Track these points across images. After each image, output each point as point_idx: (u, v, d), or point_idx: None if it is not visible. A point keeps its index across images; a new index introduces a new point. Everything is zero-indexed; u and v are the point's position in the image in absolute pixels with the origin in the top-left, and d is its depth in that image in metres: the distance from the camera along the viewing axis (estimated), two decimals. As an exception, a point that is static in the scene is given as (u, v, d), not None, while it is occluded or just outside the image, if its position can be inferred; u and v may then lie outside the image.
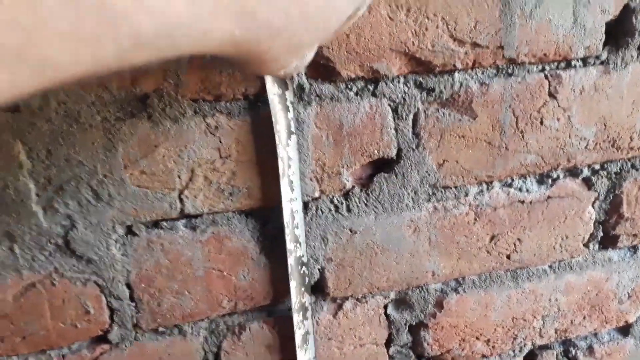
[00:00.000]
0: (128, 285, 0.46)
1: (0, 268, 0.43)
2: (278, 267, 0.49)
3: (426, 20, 0.42)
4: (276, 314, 0.51)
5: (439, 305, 0.55)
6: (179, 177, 0.43)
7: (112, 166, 0.42)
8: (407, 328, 0.55)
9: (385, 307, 0.54)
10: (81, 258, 0.44)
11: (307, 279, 0.48)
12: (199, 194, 0.44)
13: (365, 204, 0.48)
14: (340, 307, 0.52)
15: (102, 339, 0.48)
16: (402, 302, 0.55)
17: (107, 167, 0.42)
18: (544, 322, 0.59)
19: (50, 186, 0.41)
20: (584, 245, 0.57)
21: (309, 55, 0.30)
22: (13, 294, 0.44)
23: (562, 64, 0.47)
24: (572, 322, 0.60)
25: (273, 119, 0.42)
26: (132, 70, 0.38)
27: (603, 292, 0.60)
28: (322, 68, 0.43)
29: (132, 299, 0.47)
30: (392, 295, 0.54)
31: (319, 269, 0.50)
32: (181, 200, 0.44)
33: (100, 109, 0.40)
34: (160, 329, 0.49)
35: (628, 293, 0.61)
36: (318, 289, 0.52)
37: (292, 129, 0.42)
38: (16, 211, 0.41)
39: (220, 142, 0.43)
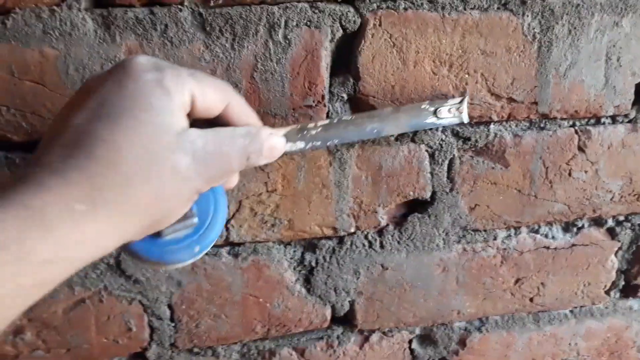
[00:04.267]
0: (169, 306, 0.49)
1: (55, 283, 0.46)
2: (311, 297, 0.51)
3: (467, 75, 0.45)
4: (305, 341, 0.53)
5: (462, 343, 0.56)
6: (228, 207, 0.46)
7: (166, 194, 0.45)
8: (429, 363, 0.57)
9: (410, 341, 0.56)
10: (129, 278, 0.47)
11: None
12: (244, 224, 0.47)
13: (398, 242, 0.51)
14: (367, 339, 0.54)
15: (140, 355, 0.51)
16: (426, 338, 0.56)
17: (162, 195, 0.45)
18: (563, 366, 0.60)
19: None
20: (605, 292, 0.58)
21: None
22: (63, 308, 0.47)
23: (592, 121, 0.50)
24: (591, 367, 0.61)
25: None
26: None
27: (623, 340, 0.61)
28: (367, 114, 0.46)
29: (172, 319, 0.49)
30: (418, 331, 0.56)
31: (349, 301, 0.52)
32: (227, 229, 0.47)
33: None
34: (195, 349, 0.51)
35: (647, 342, 0.62)
36: (347, 321, 0.54)
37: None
38: (76, 231, 0.44)
39: (268, 177, 0.46)
